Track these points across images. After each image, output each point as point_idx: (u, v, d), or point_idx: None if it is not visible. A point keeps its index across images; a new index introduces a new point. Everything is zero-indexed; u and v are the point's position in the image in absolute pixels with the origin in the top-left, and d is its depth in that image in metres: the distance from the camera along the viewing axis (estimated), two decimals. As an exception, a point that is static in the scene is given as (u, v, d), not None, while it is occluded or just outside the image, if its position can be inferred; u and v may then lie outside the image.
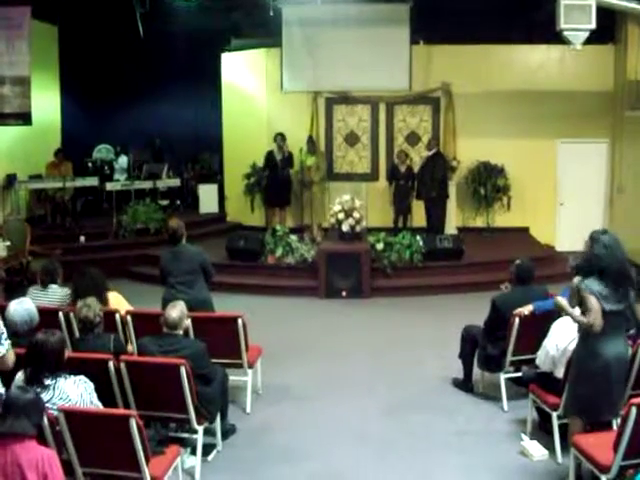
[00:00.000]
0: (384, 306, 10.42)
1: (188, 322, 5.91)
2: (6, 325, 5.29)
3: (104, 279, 6.71)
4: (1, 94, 12.41)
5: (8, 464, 3.58)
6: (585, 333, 4.92)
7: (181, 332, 5.61)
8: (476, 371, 7.00)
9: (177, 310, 5.57)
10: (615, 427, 5.09)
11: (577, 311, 4.95)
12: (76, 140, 15.18)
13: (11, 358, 4.67)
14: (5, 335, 4.64)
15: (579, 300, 4.92)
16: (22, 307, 5.48)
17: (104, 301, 6.35)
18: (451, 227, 13.19)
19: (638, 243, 11.73)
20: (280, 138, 13.17)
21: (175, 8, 12.74)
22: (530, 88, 13.47)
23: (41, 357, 4.47)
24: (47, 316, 6.01)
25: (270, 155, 13.30)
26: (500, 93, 13.57)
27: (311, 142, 13.48)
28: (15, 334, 5.31)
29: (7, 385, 4.56)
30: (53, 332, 4.64)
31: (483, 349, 6.74)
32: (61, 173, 13.27)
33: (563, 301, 5.06)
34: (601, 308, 4.75)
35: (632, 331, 5.29)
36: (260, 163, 13.56)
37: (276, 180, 13.25)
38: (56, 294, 6.85)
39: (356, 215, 11.27)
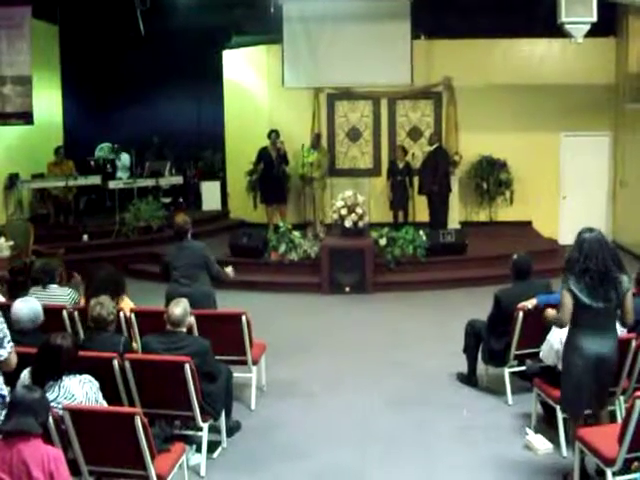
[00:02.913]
0: (388, 301, 10.43)
1: (192, 319, 5.92)
2: (11, 323, 5.31)
3: (123, 278, 6.74)
4: (2, 94, 12.42)
5: (14, 462, 3.60)
6: (571, 328, 4.96)
7: (184, 329, 5.61)
8: (480, 365, 7.00)
9: (180, 307, 5.56)
10: (619, 419, 5.11)
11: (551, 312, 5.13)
12: (78, 139, 15.20)
13: (14, 360, 4.68)
14: (8, 338, 4.64)
15: None
16: (27, 305, 5.50)
17: (119, 300, 6.36)
18: (454, 222, 13.17)
19: (641, 236, 11.77)
20: (275, 135, 13.04)
21: (176, 5, 12.70)
22: (532, 82, 13.45)
23: (53, 361, 4.49)
24: (51, 315, 6.01)
25: (264, 152, 13.16)
26: (502, 87, 13.55)
27: (317, 138, 13.45)
28: (20, 332, 5.33)
29: (11, 384, 4.58)
30: (66, 335, 4.65)
31: (487, 344, 6.75)
32: (63, 172, 13.29)
33: (550, 313, 5.19)
34: (581, 302, 4.77)
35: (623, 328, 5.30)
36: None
37: (271, 177, 13.11)
38: (57, 294, 6.82)
39: (359, 211, 11.28)
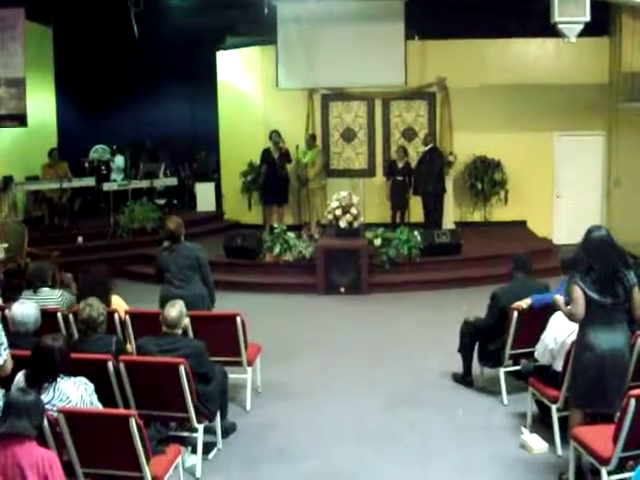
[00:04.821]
0: (383, 302, 10.43)
1: (187, 321, 5.90)
2: (9, 327, 5.29)
3: (110, 278, 6.71)
4: (-4, 96, 12.41)
5: (9, 465, 3.59)
6: (581, 326, 4.98)
7: (180, 331, 5.61)
8: (475, 365, 7.00)
9: (176, 309, 5.56)
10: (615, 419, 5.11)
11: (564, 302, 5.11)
12: (72, 141, 15.17)
13: (9, 367, 4.66)
14: (5, 345, 4.62)
15: None
16: (30, 307, 5.49)
17: (107, 301, 6.32)
18: (449, 222, 13.20)
19: (635, 235, 11.76)
20: (275, 135, 13.12)
21: (170, 7, 12.69)
22: (526, 82, 13.47)
23: (47, 362, 4.47)
24: (46, 318, 5.98)
25: (267, 153, 13.24)
26: (496, 87, 13.57)
27: (312, 139, 13.48)
28: (17, 335, 5.30)
29: (7, 387, 4.56)
30: (57, 337, 4.64)
31: (483, 346, 6.75)
32: (57, 174, 13.26)
33: (559, 299, 5.16)
34: (589, 298, 4.80)
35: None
36: (257, 161, 13.55)
37: (274, 178, 13.19)
38: (48, 297, 6.74)
39: (353, 211, 11.28)
